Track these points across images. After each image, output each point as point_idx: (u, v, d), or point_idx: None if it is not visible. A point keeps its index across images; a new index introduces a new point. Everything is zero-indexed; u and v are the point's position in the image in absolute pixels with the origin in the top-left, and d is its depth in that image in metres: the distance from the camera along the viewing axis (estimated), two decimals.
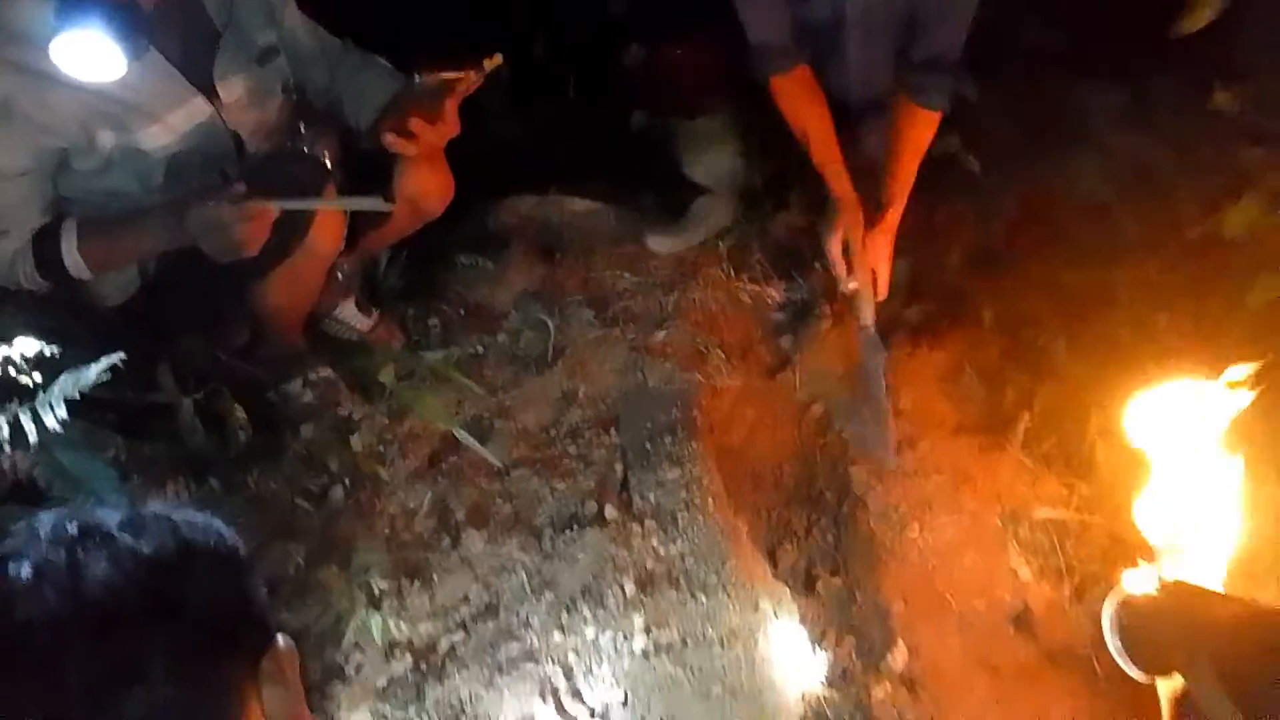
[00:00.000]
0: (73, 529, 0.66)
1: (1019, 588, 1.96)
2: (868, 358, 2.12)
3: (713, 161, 2.30)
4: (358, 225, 1.75)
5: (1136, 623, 1.04)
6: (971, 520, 1.97)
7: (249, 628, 0.71)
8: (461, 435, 1.90)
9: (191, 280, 1.59)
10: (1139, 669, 1.09)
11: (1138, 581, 1.11)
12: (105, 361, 1.27)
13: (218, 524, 0.74)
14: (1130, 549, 1.93)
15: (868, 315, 2.08)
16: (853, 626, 1.88)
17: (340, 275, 1.78)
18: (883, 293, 2.06)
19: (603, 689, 1.65)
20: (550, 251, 2.39)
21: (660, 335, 2.22)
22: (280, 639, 0.74)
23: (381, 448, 1.89)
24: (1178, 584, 1.10)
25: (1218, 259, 2.31)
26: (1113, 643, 1.08)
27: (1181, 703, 0.87)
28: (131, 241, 1.54)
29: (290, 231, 1.52)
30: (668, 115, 2.31)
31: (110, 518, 0.68)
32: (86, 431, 1.42)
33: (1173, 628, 0.98)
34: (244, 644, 0.70)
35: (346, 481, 1.72)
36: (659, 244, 2.32)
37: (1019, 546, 1.98)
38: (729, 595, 1.70)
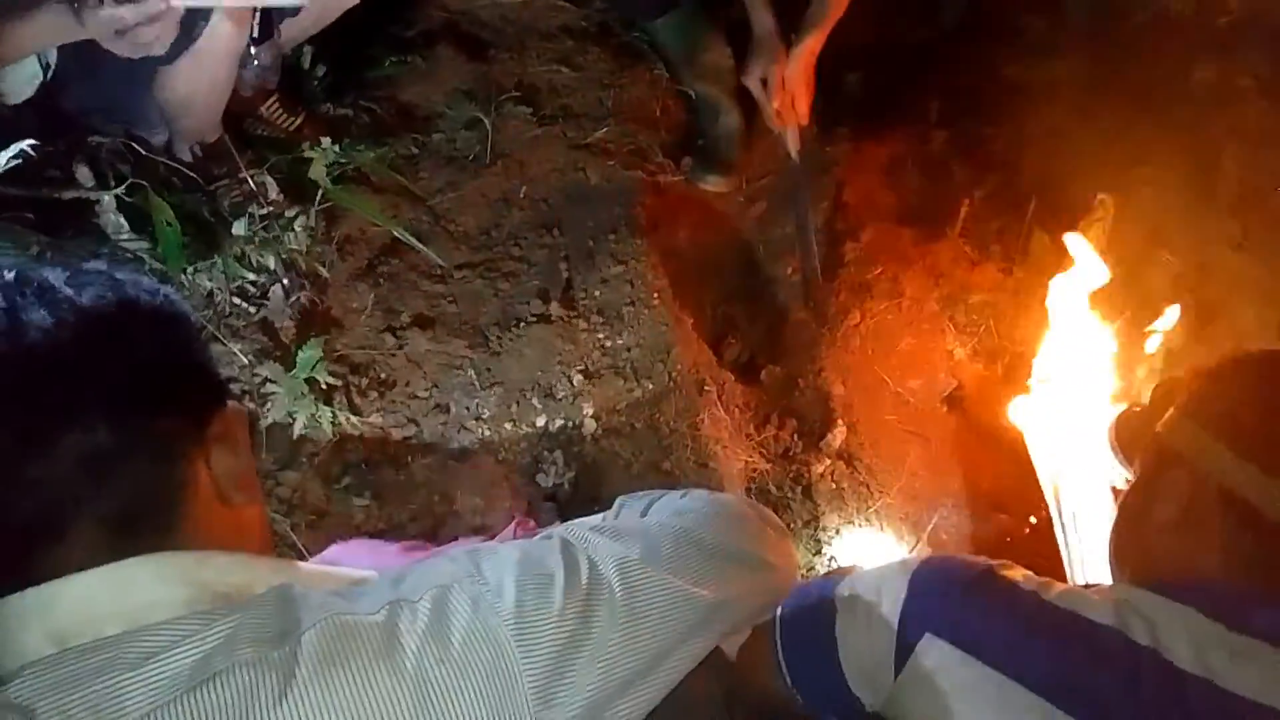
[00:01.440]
0: (9, 276, 0.64)
1: (953, 367, 2.07)
2: (795, 190, 2.13)
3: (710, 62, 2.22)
4: (270, 12, 1.65)
5: (1127, 434, 1.12)
6: (911, 305, 2.04)
7: (194, 386, 0.70)
8: (401, 234, 1.89)
9: (97, 72, 1.51)
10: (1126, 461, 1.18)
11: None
12: (14, 149, 1.22)
13: (165, 288, 0.71)
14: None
15: (793, 145, 2.06)
16: (794, 410, 1.97)
17: (258, 67, 1.70)
18: (803, 119, 2.03)
19: (555, 472, 1.73)
20: (483, 47, 2.30)
21: (600, 133, 2.18)
22: (230, 403, 0.73)
23: (319, 249, 1.87)
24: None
25: (1161, 44, 2.32)
26: (1116, 457, 1.16)
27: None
28: (22, 34, 1.44)
29: (195, 20, 1.44)
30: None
31: (51, 272, 0.66)
32: (4, 230, 1.38)
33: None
34: (189, 402, 0.68)
35: (285, 281, 1.70)
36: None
37: (955, 329, 2.06)
38: (674, 382, 1.76)
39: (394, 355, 1.85)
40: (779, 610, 0.97)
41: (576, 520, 0.80)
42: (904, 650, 0.86)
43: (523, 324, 1.90)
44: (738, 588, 0.82)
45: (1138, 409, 1.19)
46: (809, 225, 2.10)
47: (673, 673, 0.72)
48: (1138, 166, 2.03)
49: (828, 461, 1.91)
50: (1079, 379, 1.67)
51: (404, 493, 1.68)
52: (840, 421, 1.96)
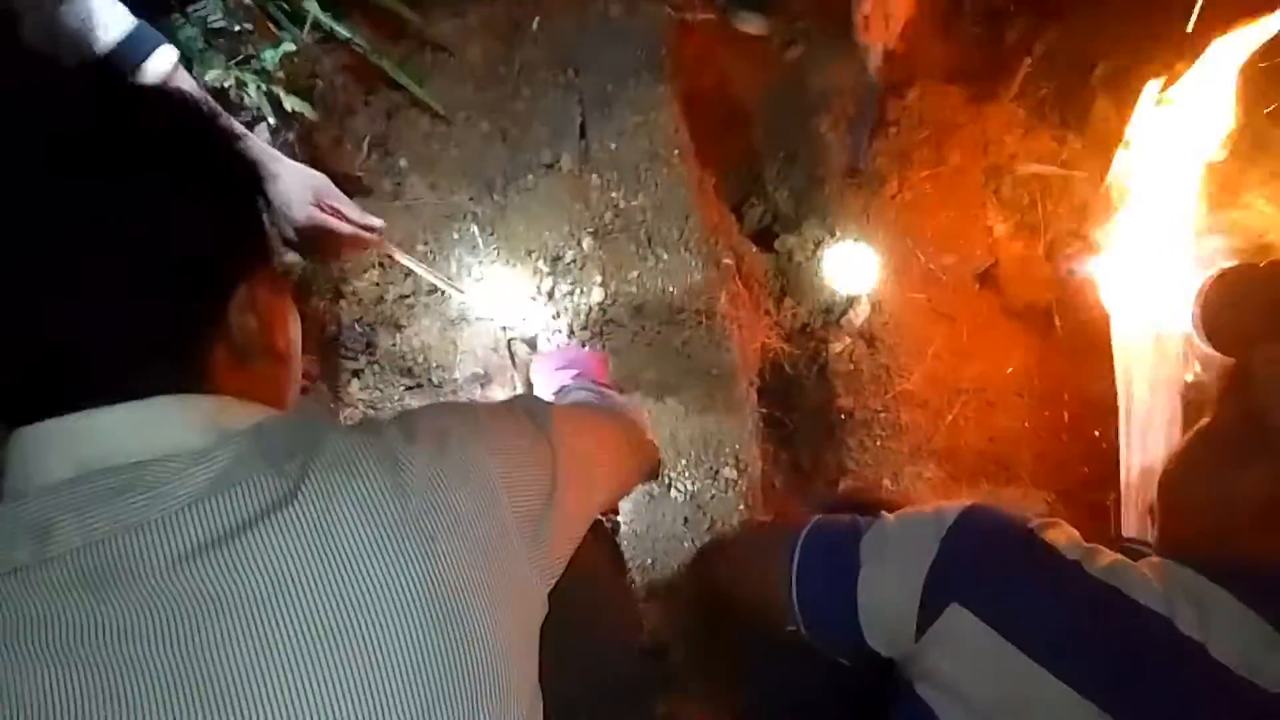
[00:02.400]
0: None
1: (991, 244, 1.94)
2: (861, 109, 1.91)
3: None
4: None
5: (1223, 297, 1.00)
6: (953, 175, 1.89)
7: (247, 238, 0.69)
8: (397, 74, 1.72)
9: None
10: (1210, 343, 1.07)
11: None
12: None
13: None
14: (1109, 207, 1.89)
15: (873, 64, 1.82)
16: (815, 283, 1.86)
17: None
18: (892, 39, 1.78)
19: (557, 341, 1.64)
20: None
21: None
22: (268, 268, 0.71)
23: (309, 83, 1.71)
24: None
25: None
26: (1193, 312, 1.05)
27: (1233, 384, 0.84)
28: None
29: None
30: None
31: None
32: None
33: (1259, 306, 0.94)
34: (236, 252, 0.67)
35: (270, 120, 1.56)
36: (755, 24, 1.97)
37: (998, 202, 1.92)
38: (690, 251, 1.64)
39: (390, 205, 1.73)
40: (798, 542, 0.92)
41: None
42: (928, 616, 0.81)
43: (530, 176, 1.77)
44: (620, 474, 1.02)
45: (1237, 276, 1.09)
46: (862, 150, 1.90)
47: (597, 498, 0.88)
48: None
49: (847, 340, 1.82)
50: (1166, 242, 1.51)
51: (399, 358, 1.60)
52: (864, 298, 1.86)
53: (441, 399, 1.60)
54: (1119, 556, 0.80)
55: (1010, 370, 1.91)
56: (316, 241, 1.36)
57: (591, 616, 1.01)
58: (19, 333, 0.58)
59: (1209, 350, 1.06)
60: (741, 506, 1.47)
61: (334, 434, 0.64)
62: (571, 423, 0.83)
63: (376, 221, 1.39)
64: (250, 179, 0.71)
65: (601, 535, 1.18)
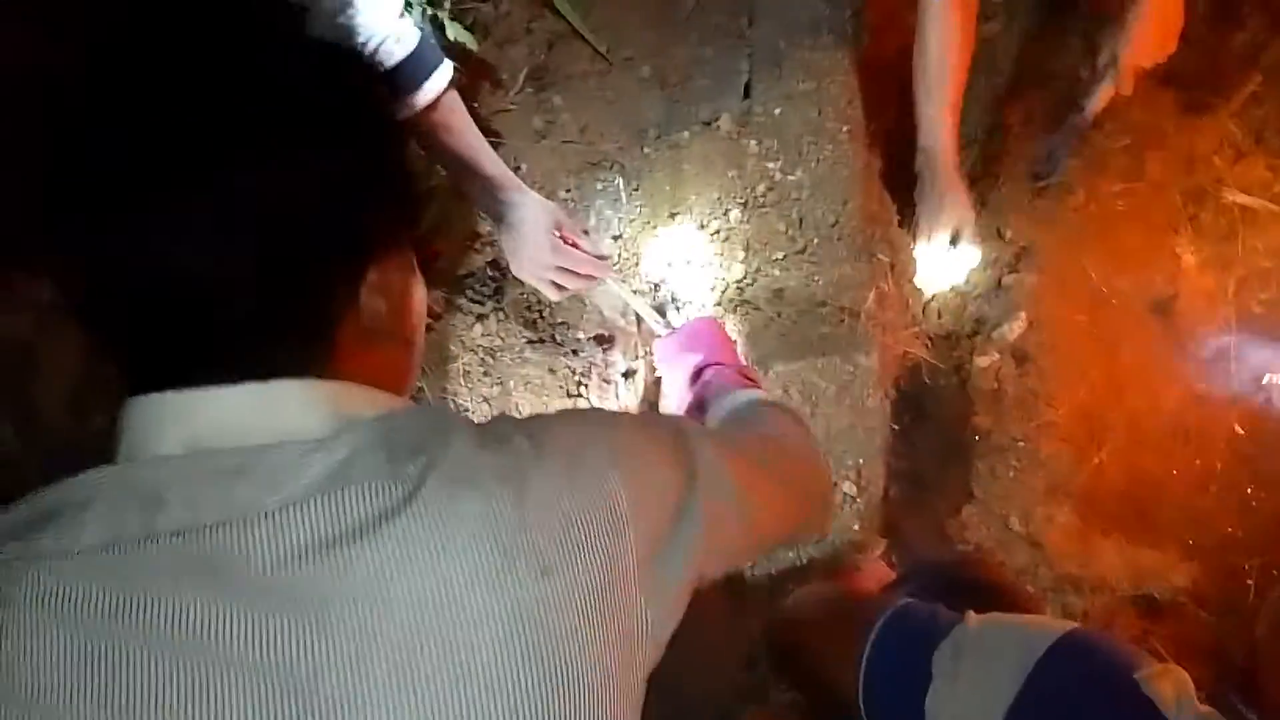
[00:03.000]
0: None
1: (1175, 273, 1.77)
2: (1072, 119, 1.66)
3: None
4: None
5: None
6: (1149, 191, 1.71)
7: (392, 208, 0.64)
8: (562, 4, 1.64)
9: None
10: None
11: None
12: None
13: None
14: None
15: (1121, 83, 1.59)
16: (972, 290, 1.73)
17: None
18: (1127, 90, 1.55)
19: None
20: None
21: None
22: (404, 248, 0.67)
23: (473, 3, 1.65)
24: None
25: None
26: None
27: None
28: None
29: None
30: None
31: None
32: None
33: None
34: (378, 224, 0.63)
35: (431, 38, 1.50)
36: None
37: (1192, 229, 1.74)
38: (843, 240, 1.53)
39: (538, 144, 1.67)
40: (869, 638, 0.85)
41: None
42: None
43: (685, 133, 1.68)
44: (779, 519, 0.85)
45: None
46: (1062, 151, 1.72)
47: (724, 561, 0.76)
48: None
49: (995, 355, 1.69)
50: None
51: (526, 309, 1.56)
52: (1022, 312, 1.72)
53: (561, 356, 1.56)
54: None
55: (1169, 411, 1.76)
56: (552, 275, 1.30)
57: (693, 642, 0.96)
58: (145, 285, 0.55)
59: None
60: (856, 527, 1.39)
61: (460, 438, 0.59)
62: (733, 458, 0.75)
63: (606, 250, 1.32)
64: (397, 143, 0.67)
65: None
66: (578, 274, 1.28)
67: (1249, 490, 1.73)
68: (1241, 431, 1.73)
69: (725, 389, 1.10)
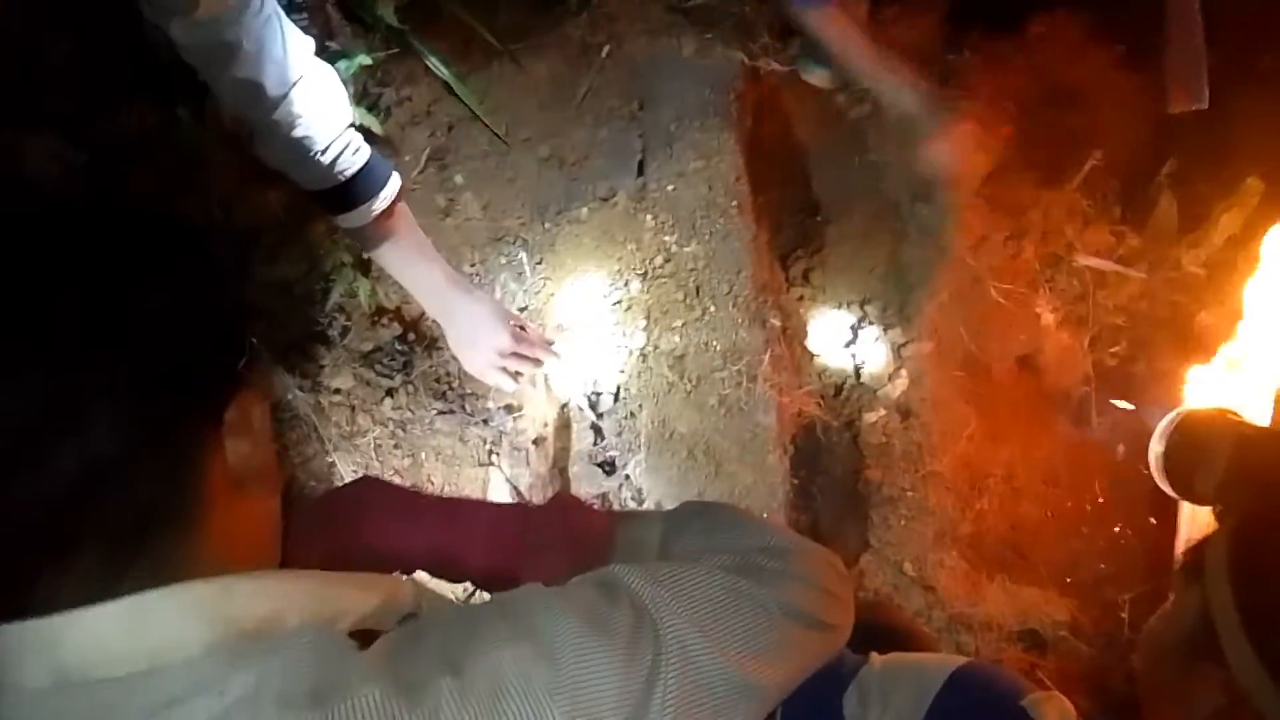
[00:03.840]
0: None
1: (1037, 331, 1.93)
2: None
3: None
4: None
5: (1186, 440, 0.96)
6: (1010, 258, 1.87)
7: (217, 361, 0.59)
8: (461, 91, 1.72)
9: None
10: (1170, 486, 1.04)
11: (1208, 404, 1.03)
12: None
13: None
14: (1160, 309, 1.89)
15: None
16: (856, 350, 1.85)
17: None
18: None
19: (596, 381, 1.63)
20: None
21: None
22: (250, 384, 0.61)
23: (376, 89, 1.71)
24: (1241, 423, 1.01)
25: None
26: (1155, 449, 1.02)
27: (1189, 568, 0.78)
28: None
29: None
30: None
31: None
32: None
33: (1212, 460, 0.91)
34: (208, 383, 0.58)
35: None
36: (825, 79, 1.96)
37: (1049, 291, 1.91)
38: (738, 307, 1.63)
39: (442, 221, 1.72)
40: None
41: (648, 568, 0.70)
42: None
43: (585, 209, 1.76)
44: (800, 658, 0.75)
45: (1199, 421, 1.04)
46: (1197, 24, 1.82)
47: None
48: None
49: (882, 412, 1.81)
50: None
51: (435, 380, 1.59)
52: (904, 371, 1.84)
53: (471, 426, 1.59)
54: None
55: (1041, 459, 1.90)
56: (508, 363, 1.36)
57: None
58: None
59: (1170, 493, 1.03)
60: None
61: (367, 687, 0.52)
62: (695, 600, 0.67)
63: (552, 340, 1.41)
64: (217, 268, 0.62)
65: None
66: (530, 359, 1.35)
67: (1117, 529, 1.87)
68: (1106, 475, 1.89)
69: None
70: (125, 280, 0.55)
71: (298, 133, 1.08)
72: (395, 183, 1.22)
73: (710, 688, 0.63)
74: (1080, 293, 1.92)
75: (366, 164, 1.17)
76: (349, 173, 1.15)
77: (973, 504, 1.73)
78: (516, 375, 1.38)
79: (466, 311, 1.31)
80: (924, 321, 1.86)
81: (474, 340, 1.31)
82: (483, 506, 0.89)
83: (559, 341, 1.54)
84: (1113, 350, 1.92)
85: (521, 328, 1.36)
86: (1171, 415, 1.05)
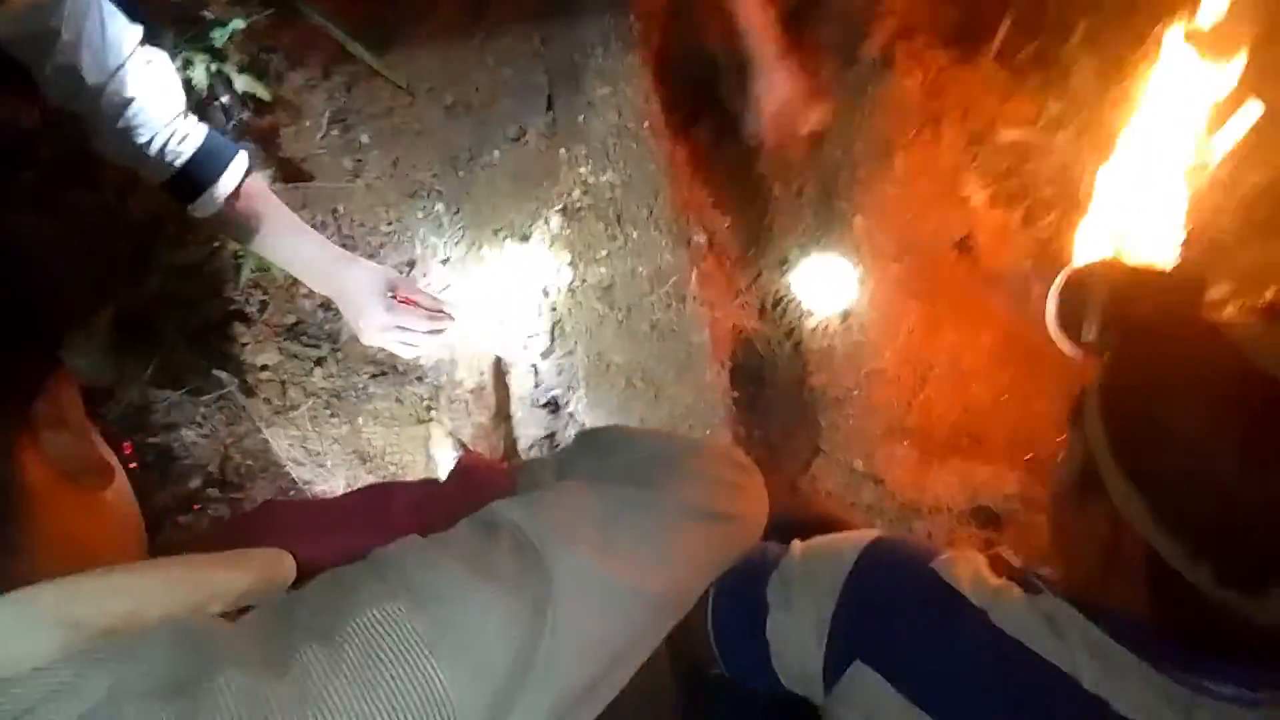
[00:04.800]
0: None
1: (968, 213, 1.92)
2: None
3: None
4: None
5: (1074, 293, 0.97)
6: (932, 141, 1.85)
7: (23, 353, 0.56)
8: (356, 50, 1.67)
9: None
10: (1065, 344, 1.05)
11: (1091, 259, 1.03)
12: None
13: None
14: (1086, 173, 1.87)
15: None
16: (789, 257, 1.84)
17: None
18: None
19: (528, 325, 1.62)
20: None
21: None
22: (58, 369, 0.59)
23: (265, 55, 1.66)
24: (1116, 263, 1.02)
25: None
26: (1049, 310, 1.03)
27: (1073, 416, 0.81)
28: None
29: None
30: None
31: None
32: None
33: (1095, 309, 0.92)
34: (15, 379, 0.55)
35: (223, 100, 1.51)
36: None
37: (977, 170, 1.89)
38: (659, 230, 1.61)
39: (352, 183, 1.69)
40: (710, 595, 0.90)
41: (527, 498, 0.69)
42: (833, 671, 0.80)
43: (496, 151, 1.73)
44: (704, 555, 0.77)
45: (1087, 274, 1.05)
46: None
47: (630, 668, 0.67)
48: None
49: (821, 316, 1.80)
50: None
51: (360, 346, 1.58)
52: (839, 273, 1.83)
53: (406, 385, 1.59)
54: (1024, 597, 0.76)
55: (987, 341, 1.90)
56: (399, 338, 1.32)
57: None
58: None
59: (1068, 351, 1.04)
60: None
61: (231, 669, 0.50)
62: (585, 521, 0.67)
63: (449, 306, 1.36)
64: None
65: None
66: (420, 330, 1.32)
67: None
68: (1055, 349, 1.89)
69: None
70: None
71: (124, 123, 1.06)
72: (240, 164, 1.19)
73: (605, 606, 0.63)
74: (1008, 169, 1.90)
75: (203, 148, 1.14)
76: (181, 160, 1.12)
77: (918, 395, 1.73)
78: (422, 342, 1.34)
79: (348, 283, 1.27)
80: (855, 219, 1.85)
81: (361, 311, 1.28)
82: (386, 493, 0.88)
83: (463, 300, 1.52)
84: (1045, 221, 1.90)
85: (410, 299, 1.31)
86: (1061, 273, 1.05)
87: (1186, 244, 1.65)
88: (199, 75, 1.46)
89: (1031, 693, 0.73)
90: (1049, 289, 1.07)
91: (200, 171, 1.14)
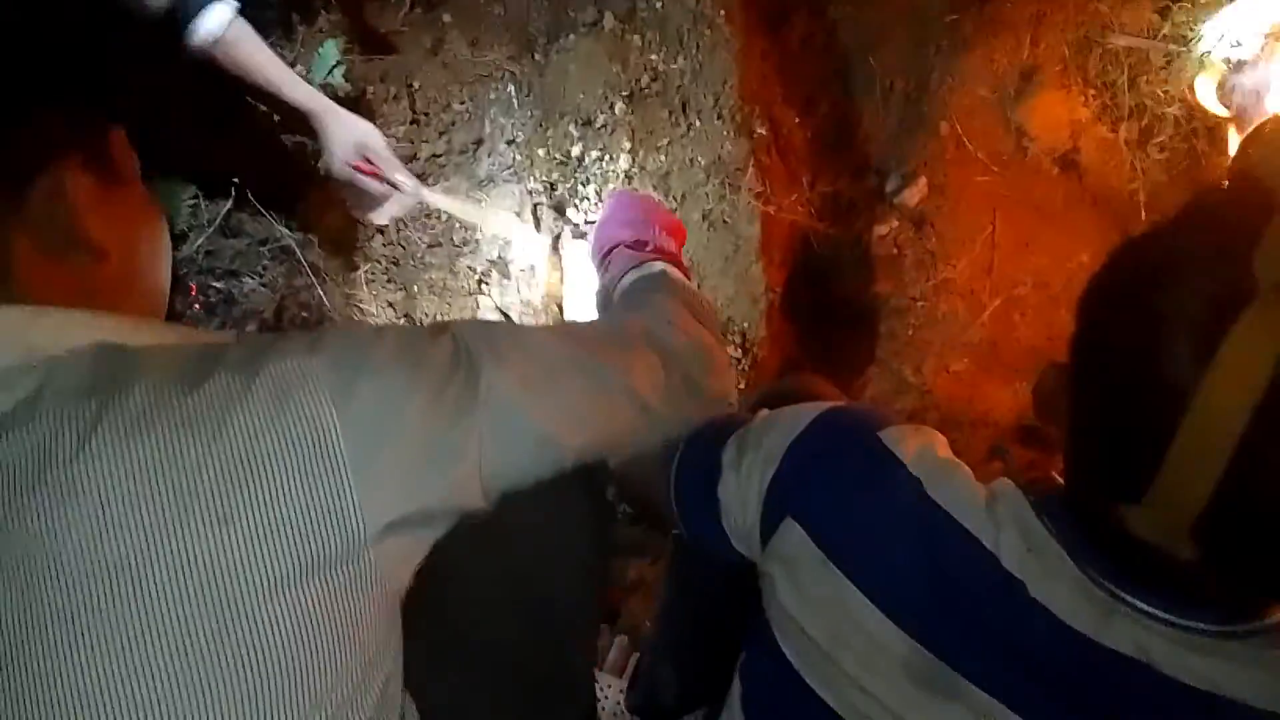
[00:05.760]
0: None
1: (1075, 127, 1.78)
2: None
3: None
4: None
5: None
6: (1036, 45, 1.72)
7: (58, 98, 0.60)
8: None
9: None
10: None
11: None
12: None
13: None
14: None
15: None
16: (870, 155, 1.77)
17: None
18: None
19: (583, 207, 1.63)
20: None
21: None
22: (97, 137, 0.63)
23: None
24: None
25: None
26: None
27: None
28: None
29: None
30: None
31: None
32: None
33: None
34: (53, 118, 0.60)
35: None
36: None
37: (1083, 81, 1.75)
38: (723, 119, 1.58)
39: (429, 61, 1.72)
40: (680, 445, 0.90)
41: (487, 323, 0.73)
42: (768, 528, 0.78)
43: (572, 35, 1.72)
44: (615, 429, 0.78)
45: None
46: None
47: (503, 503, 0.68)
48: None
49: (894, 223, 1.73)
50: None
51: (425, 218, 1.63)
52: (923, 178, 1.75)
53: (461, 258, 1.63)
54: (968, 475, 0.72)
55: (1085, 265, 1.78)
56: (356, 198, 1.41)
57: (547, 558, 0.91)
58: None
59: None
60: (742, 386, 1.45)
61: (144, 383, 0.54)
62: (530, 361, 0.69)
63: (408, 184, 1.40)
64: (69, 37, 0.62)
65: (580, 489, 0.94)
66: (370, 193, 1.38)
67: None
68: None
69: (620, 271, 1.04)
70: None
71: None
72: (217, 15, 1.24)
73: (513, 435, 0.66)
74: (1121, 82, 1.75)
75: None
76: (152, 5, 1.19)
77: (990, 311, 1.64)
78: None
79: (324, 140, 1.35)
80: (942, 123, 1.75)
81: (329, 160, 1.36)
82: None
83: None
84: (1158, 141, 1.75)
85: (369, 169, 1.38)
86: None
87: None
88: None
89: (948, 562, 0.70)
90: None
91: (172, 18, 1.22)
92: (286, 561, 0.53)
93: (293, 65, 1.55)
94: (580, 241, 1.61)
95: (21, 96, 0.59)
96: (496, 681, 0.87)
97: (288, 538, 0.53)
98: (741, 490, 0.83)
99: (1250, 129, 1.42)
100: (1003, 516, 0.69)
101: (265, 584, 0.52)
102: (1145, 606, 0.63)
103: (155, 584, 0.50)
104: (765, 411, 0.90)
